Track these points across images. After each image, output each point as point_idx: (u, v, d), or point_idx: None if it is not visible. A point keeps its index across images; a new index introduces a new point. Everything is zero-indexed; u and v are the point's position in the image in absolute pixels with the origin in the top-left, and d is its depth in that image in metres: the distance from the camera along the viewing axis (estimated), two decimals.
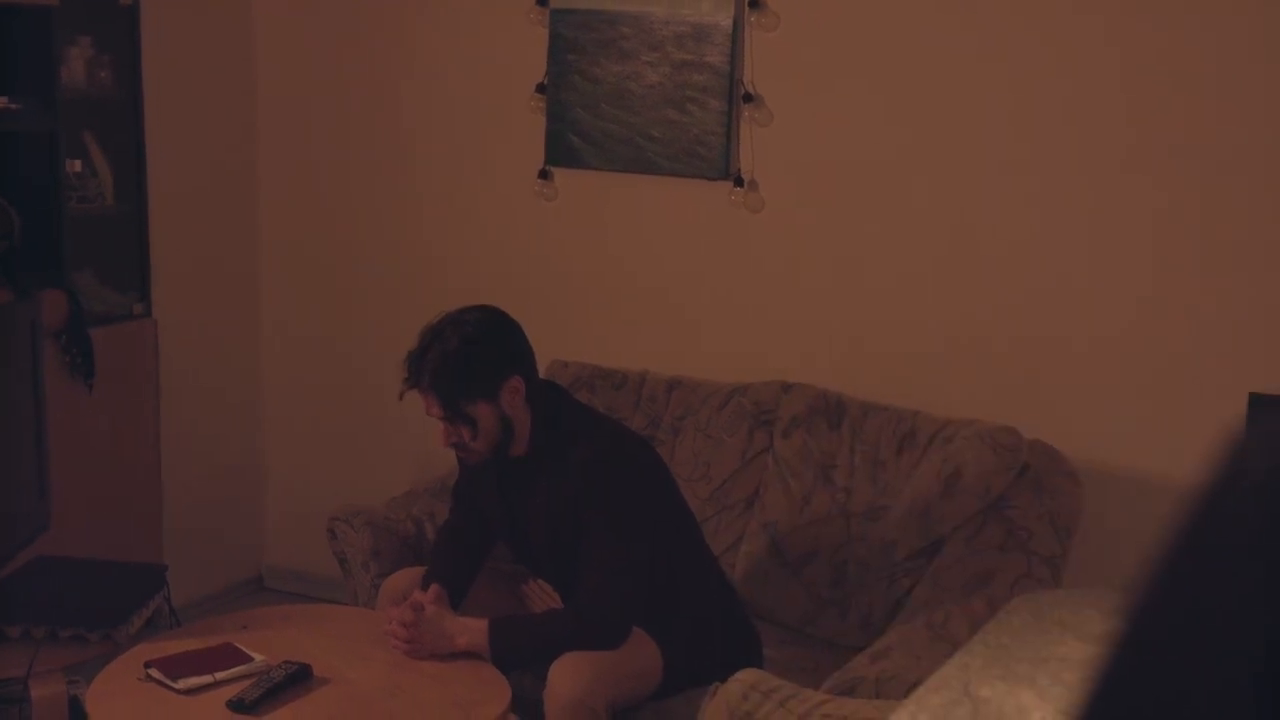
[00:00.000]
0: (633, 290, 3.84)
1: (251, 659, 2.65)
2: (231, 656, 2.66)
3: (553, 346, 3.66)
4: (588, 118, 3.79)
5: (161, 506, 3.93)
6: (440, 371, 2.70)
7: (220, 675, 2.58)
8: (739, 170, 3.65)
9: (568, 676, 2.64)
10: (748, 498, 3.39)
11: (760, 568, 3.31)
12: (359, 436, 4.27)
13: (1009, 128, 3.34)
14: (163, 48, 3.89)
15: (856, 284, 3.55)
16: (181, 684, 2.55)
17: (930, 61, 3.42)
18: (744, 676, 2.34)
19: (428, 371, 2.71)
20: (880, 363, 3.50)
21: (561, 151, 3.84)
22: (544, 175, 3.89)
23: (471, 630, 2.73)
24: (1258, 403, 2.84)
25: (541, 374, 2.98)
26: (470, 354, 2.71)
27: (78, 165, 3.69)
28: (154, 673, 2.58)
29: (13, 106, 3.40)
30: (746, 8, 3.58)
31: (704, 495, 3.41)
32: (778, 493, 3.34)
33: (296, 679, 2.58)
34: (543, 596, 3.03)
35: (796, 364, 3.56)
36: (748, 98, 3.60)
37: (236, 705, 2.48)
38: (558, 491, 2.78)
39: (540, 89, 3.84)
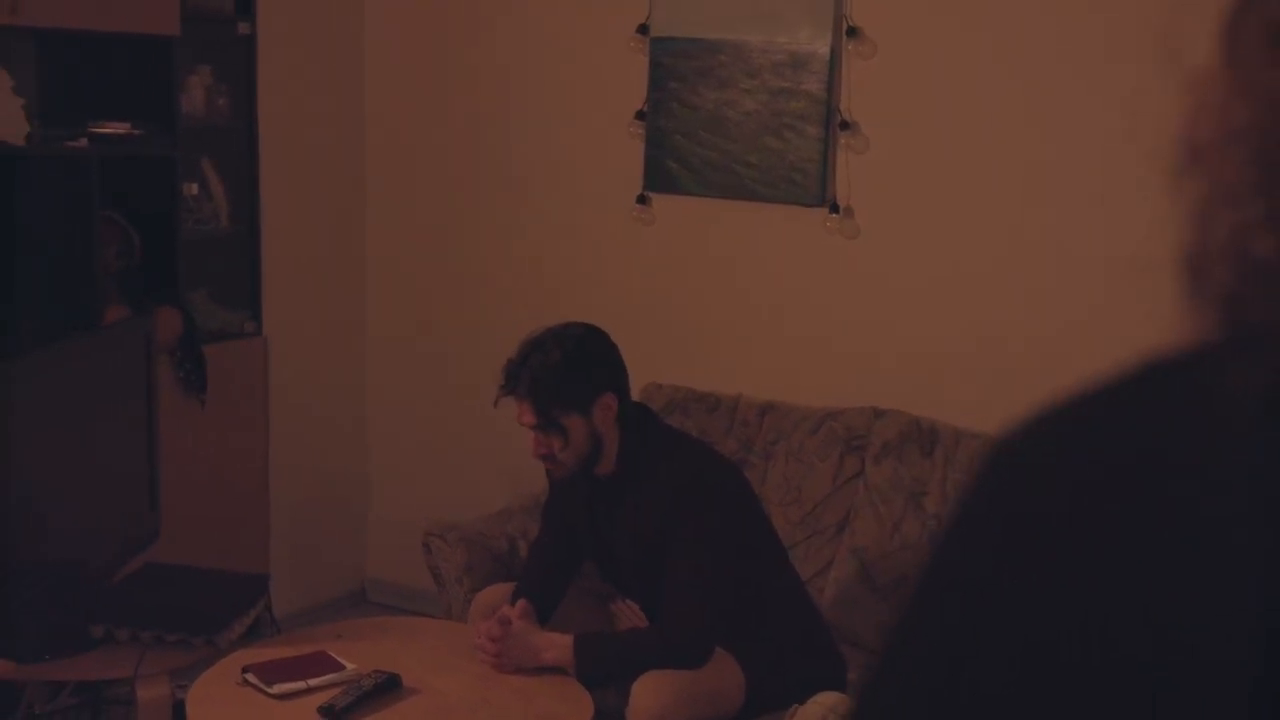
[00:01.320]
0: (728, 315, 3.88)
1: (344, 667, 2.73)
2: (325, 664, 2.74)
3: (648, 369, 3.70)
4: (686, 144, 3.84)
5: (269, 520, 4.06)
6: (539, 379, 2.76)
7: (313, 682, 2.67)
8: (835, 197, 3.67)
9: (650, 694, 2.67)
10: (838, 523, 3.40)
11: (849, 593, 3.31)
12: (462, 453, 4.36)
13: (1109, 155, 3.31)
14: (278, 76, 4.03)
15: (951, 311, 3.54)
16: (276, 689, 2.63)
17: (1027, 88, 3.40)
18: (823, 699, 2.35)
19: (526, 378, 2.77)
20: (974, 390, 3.48)
21: (660, 177, 3.90)
22: (642, 201, 3.95)
23: (557, 645, 2.78)
24: None
25: (636, 396, 3.02)
26: (569, 366, 2.78)
27: (194, 189, 3.84)
28: (250, 677, 2.67)
29: (135, 132, 3.56)
30: (844, 36, 3.60)
31: (795, 519, 3.43)
32: (868, 518, 3.35)
33: (386, 688, 2.65)
34: (630, 616, 3.07)
35: (890, 390, 3.56)
36: (844, 125, 3.62)
37: (327, 711, 2.56)
38: (645, 512, 2.82)
39: (640, 115, 3.90)
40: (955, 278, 3.54)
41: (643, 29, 3.87)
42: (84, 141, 3.45)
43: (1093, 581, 0.47)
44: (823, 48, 3.62)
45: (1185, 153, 0.48)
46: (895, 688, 0.55)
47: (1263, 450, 0.45)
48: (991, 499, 0.53)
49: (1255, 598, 0.44)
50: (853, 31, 3.59)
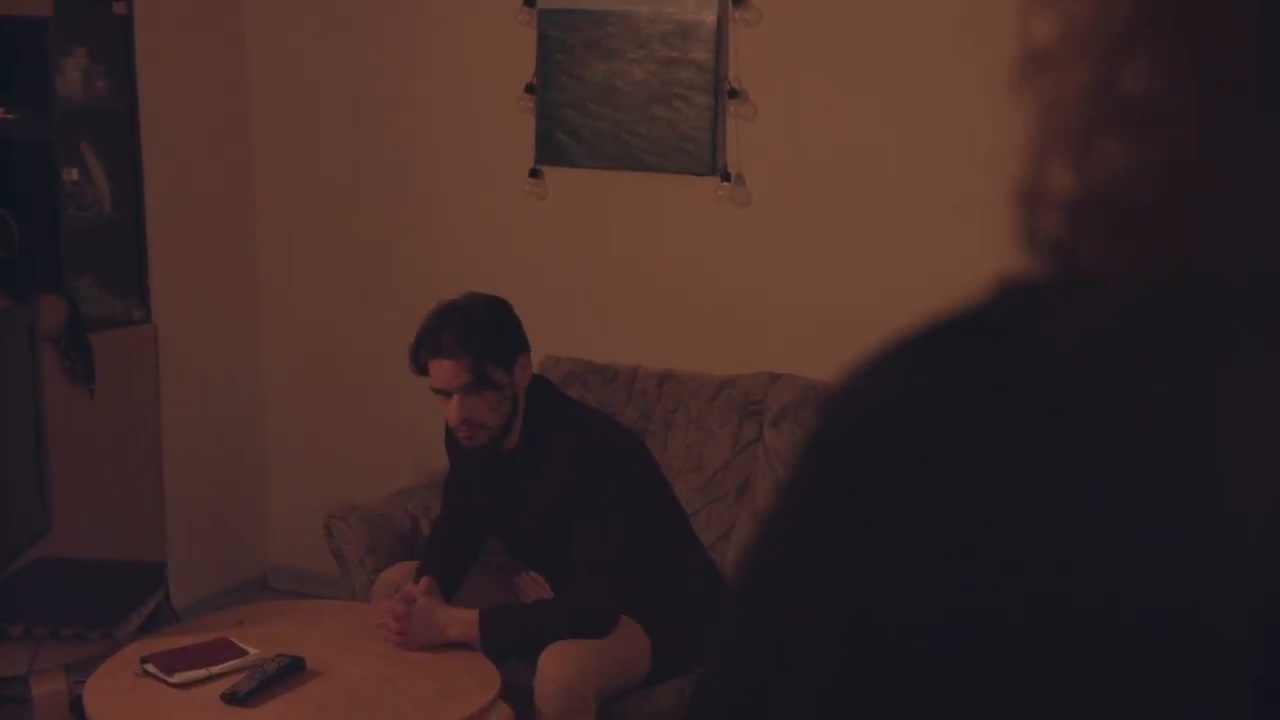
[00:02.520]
0: (624, 286, 3.88)
1: (246, 653, 2.70)
2: (226, 651, 2.71)
3: (545, 343, 3.69)
4: (576, 116, 3.83)
5: (164, 510, 3.99)
6: (470, 332, 2.74)
7: (215, 669, 2.63)
8: (726, 165, 3.69)
9: (557, 664, 2.68)
10: (738, 487, 3.43)
11: None
12: (360, 436, 4.32)
13: (1000, 118, 3.37)
14: (157, 56, 3.94)
15: (843, 275, 3.58)
16: (177, 678, 2.60)
17: (913, 52, 3.45)
18: None
19: (455, 334, 2.73)
20: (869, 350, 3.53)
21: (551, 150, 3.89)
22: (534, 174, 3.93)
23: (462, 621, 2.77)
24: None
25: (535, 369, 3.02)
26: (495, 320, 2.79)
27: (75, 174, 3.74)
28: (150, 668, 2.63)
29: (9, 117, 3.47)
30: (730, 4, 3.61)
31: (696, 487, 3.45)
32: (767, 482, 3.38)
33: (289, 671, 2.62)
34: (535, 589, 3.07)
35: (786, 355, 3.60)
36: (733, 93, 3.64)
37: (230, 698, 2.53)
38: (547, 484, 2.82)
39: (529, 89, 3.88)
40: (846, 241, 3.58)
41: (529, 2, 3.84)
42: None
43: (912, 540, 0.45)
44: (709, 16, 3.63)
45: (1026, 62, 0.45)
46: (716, 695, 0.51)
47: (1076, 396, 0.44)
48: (812, 451, 0.50)
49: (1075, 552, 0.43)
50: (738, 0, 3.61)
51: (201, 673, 2.62)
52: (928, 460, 0.46)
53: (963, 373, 0.48)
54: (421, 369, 2.79)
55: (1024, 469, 0.44)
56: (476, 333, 2.74)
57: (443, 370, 2.75)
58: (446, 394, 2.77)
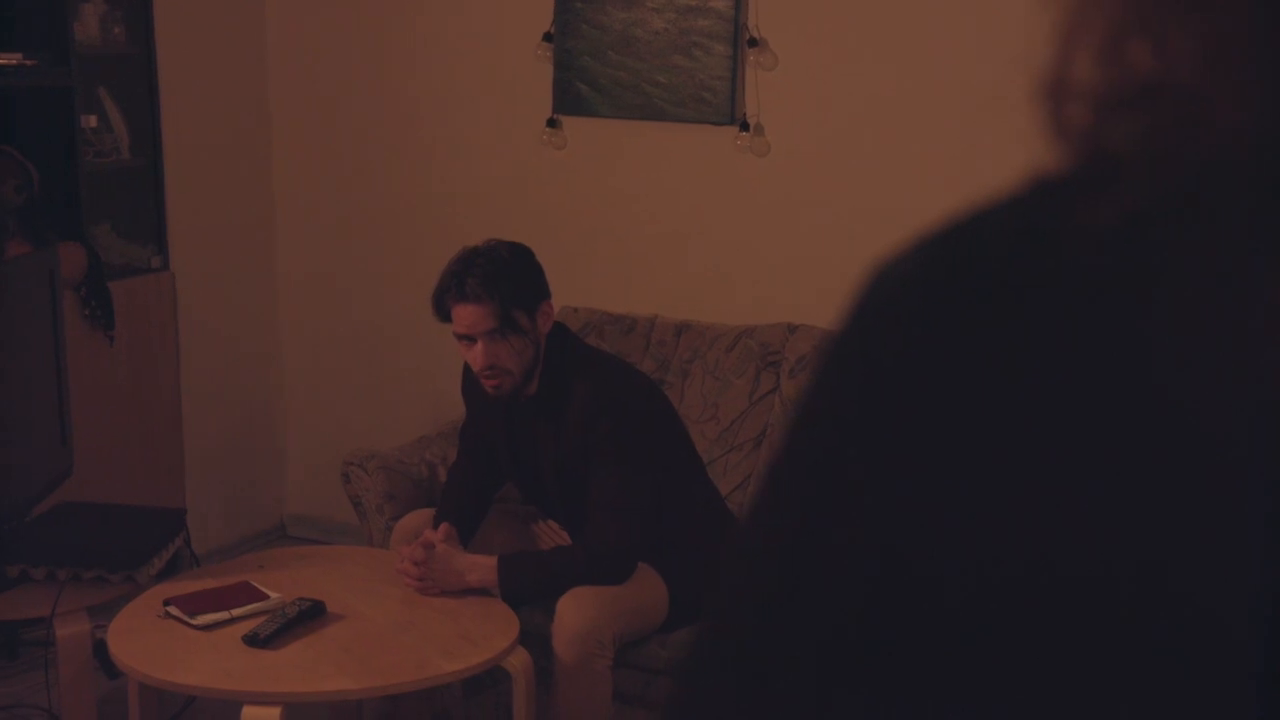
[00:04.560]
0: (642, 236, 3.88)
1: (267, 596, 2.72)
2: (248, 594, 2.73)
3: (563, 293, 3.68)
4: (595, 65, 3.82)
5: (183, 457, 4.01)
6: (495, 276, 2.73)
7: (236, 612, 2.66)
8: (745, 115, 3.67)
9: (575, 610, 2.70)
10: (755, 438, 3.44)
11: None
12: (377, 385, 4.33)
13: (1017, 66, 3.34)
14: (174, 2, 3.93)
15: (861, 226, 3.57)
16: (199, 620, 2.62)
17: (934, 1, 3.42)
18: None
19: (480, 278, 2.72)
20: None
21: (569, 100, 3.87)
22: (552, 124, 3.92)
23: (481, 567, 2.79)
24: None
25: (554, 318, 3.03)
26: (519, 264, 2.78)
27: (93, 120, 3.74)
28: (173, 610, 2.66)
29: (27, 63, 3.46)
30: None
31: (712, 436, 3.46)
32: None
33: (310, 615, 2.65)
34: (552, 536, 3.09)
35: (803, 305, 3.59)
36: (752, 42, 3.62)
37: (251, 640, 2.55)
38: (565, 431, 2.83)
39: (547, 37, 3.86)
40: (865, 191, 3.57)
41: None
42: None
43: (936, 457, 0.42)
44: None
45: None
46: (728, 613, 0.47)
47: (1109, 291, 0.42)
48: (834, 355, 0.47)
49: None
50: None
51: (223, 615, 2.64)
52: (961, 366, 0.43)
53: (996, 267, 0.45)
54: (445, 315, 2.78)
55: (1059, 375, 0.42)
56: (501, 277, 2.73)
57: (467, 315, 2.74)
58: (470, 339, 2.77)
